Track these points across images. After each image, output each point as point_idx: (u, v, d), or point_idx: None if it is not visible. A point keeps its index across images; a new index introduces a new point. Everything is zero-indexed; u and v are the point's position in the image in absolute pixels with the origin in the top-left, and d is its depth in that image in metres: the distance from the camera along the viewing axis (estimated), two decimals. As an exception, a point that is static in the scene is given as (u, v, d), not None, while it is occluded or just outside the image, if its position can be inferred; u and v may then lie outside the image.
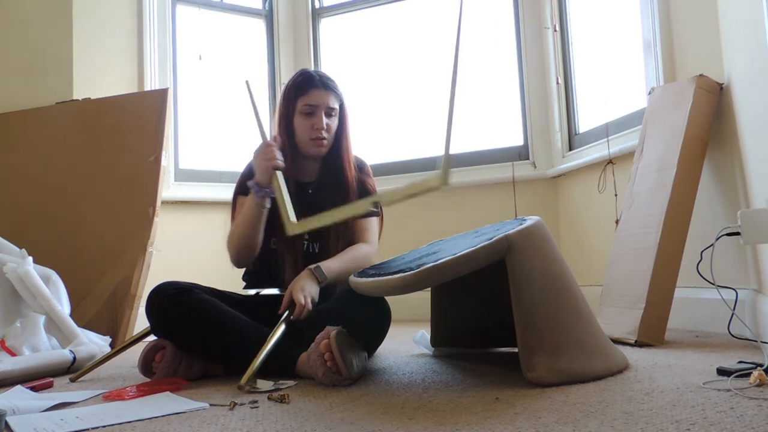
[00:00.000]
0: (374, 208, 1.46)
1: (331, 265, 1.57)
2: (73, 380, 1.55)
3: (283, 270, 1.64)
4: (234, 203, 1.72)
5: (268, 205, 1.57)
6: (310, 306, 1.47)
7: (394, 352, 1.82)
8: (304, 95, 1.66)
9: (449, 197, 2.99)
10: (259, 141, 1.65)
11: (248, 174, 1.68)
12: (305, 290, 1.49)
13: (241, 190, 1.69)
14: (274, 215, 1.56)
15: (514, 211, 2.78)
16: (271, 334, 1.39)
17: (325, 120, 1.66)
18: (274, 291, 1.59)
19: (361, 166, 1.76)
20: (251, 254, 1.63)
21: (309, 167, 1.73)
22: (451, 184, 1.31)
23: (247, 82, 1.67)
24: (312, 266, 1.54)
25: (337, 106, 1.69)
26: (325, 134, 1.66)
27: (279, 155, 1.55)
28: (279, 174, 1.53)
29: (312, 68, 1.79)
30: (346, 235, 1.68)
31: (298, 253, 1.64)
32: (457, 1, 3.24)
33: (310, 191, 1.70)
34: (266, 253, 1.66)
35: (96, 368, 1.61)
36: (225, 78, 3.32)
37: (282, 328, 1.42)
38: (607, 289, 2.00)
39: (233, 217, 1.71)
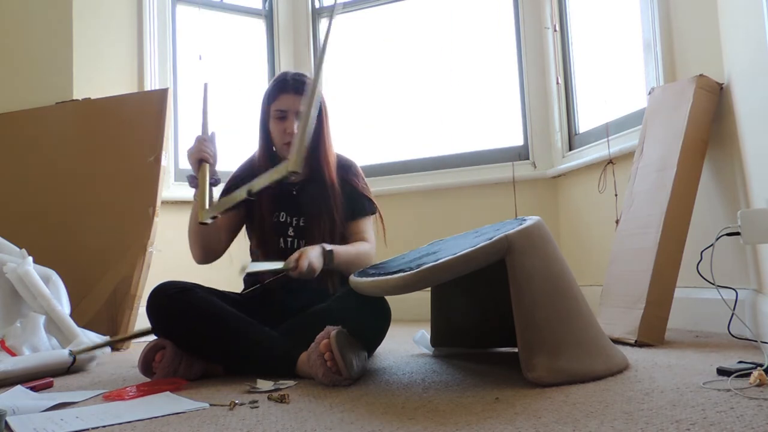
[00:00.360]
0: (250, 197, 1.50)
1: (340, 252, 1.59)
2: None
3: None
4: None
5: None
6: (304, 270, 1.47)
7: (394, 352, 1.82)
8: (275, 100, 1.69)
9: (449, 197, 3.00)
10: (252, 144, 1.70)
11: (234, 177, 1.75)
12: (310, 259, 1.50)
13: (222, 193, 1.71)
14: (253, 218, 1.66)
15: (514, 211, 2.78)
16: (265, 266, 1.47)
17: (295, 124, 1.66)
18: (278, 264, 1.55)
19: (347, 167, 1.76)
20: (207, 250, 1.68)
21: None
22: (299, 170, 1.41)
23: (205, 86, 1.74)
24: (327, 246, 1.56)
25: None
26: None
27: (207, 148, 1.59)
28: (207, 167, 1.57)
29: (292, 70, 1.79)
30: (333, 233, 1.67)
31: (273, 251, 1.67)
32: (458, 1, 3.24)
33: (294, 192, 1.71)
34: (263, 254, 1.67)
35: (94, 368, 1.61)
36: (225, 78, 3.32)
37: (276, 266, 1.50)
38: (607, 289, 2.00)
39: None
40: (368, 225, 1.74)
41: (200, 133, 1.65)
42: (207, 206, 1.52)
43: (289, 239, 1.68)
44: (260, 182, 1.49)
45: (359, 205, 1.73)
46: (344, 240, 1.70)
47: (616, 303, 1.90)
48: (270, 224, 1.69)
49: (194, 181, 1.58)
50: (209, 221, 1.51)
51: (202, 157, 1.58)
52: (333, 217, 1.68)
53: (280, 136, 1.68)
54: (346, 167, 1.75)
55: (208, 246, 1.68)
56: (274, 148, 1.73)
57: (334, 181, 1.70)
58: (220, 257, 1.73)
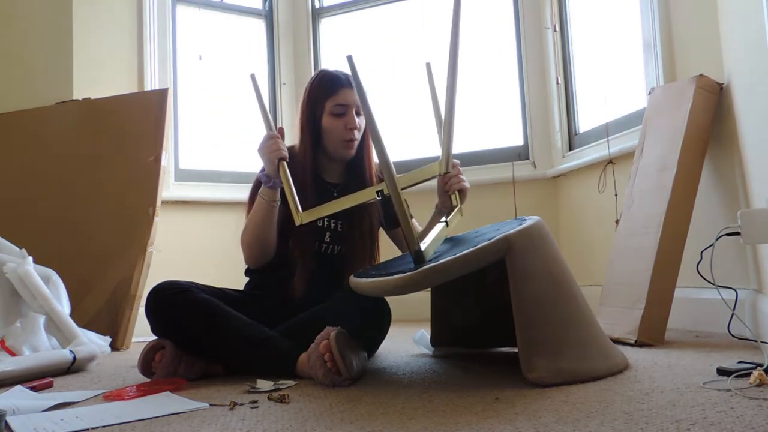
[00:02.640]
0: (378, 197, 1.45)
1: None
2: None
3: (293, 271, 1.61)
4: (250, 202, 1.68)
5: (278, 199, 1.55)
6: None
7: (394, 352, 1.82)
8: (333, 95, 1.62)
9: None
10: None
11: (261, 176, 1.63)
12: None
13: (257, 191, 1.64)
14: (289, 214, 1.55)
15: (514, 211, 2.78)
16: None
17: (356, 119, 1.64)
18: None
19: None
20: (265, 252, 1.60)
21: (333, 170, 1.71)
22: (450, 171, 1.44)
23: (252, 76, 1.64)
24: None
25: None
26: (357, 134, 1.64)
27: (283, 146, 1.51)
28: (285, 165, 1.49)
29: (329, 68, 1.72)
30: (372, 237, 1.68)
31: (309, 253, 1.62)
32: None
33: (335, 194, 1.67)
34: (299, 254, 1.62)
35: (94, 368, 1.61)
36: (225, 78, 3.32)
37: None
38: (607, 289, 2.00)
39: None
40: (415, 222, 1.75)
41: (267, 130, 1.56)
42: (299, 207, 1.43)
43: (324, 245, 1.66)
44: (405, 180, 1.44)
45: None
46: (375, 243, 1.70)
47: (616, 303, 1.90)
48: (308, 226, 1.58)
49: (270, 181, 1.51)
50: (323, 236, 1.47)
51: (280, 156, 1.49)
52: (372, 221, 1.67)
53: (341, 132, 1.62)
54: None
55: (270, 246, 1.60)
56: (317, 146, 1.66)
57: (376, 184, 1.68)
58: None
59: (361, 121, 1.65)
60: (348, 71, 1.64)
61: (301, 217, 1.43)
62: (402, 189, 1.31)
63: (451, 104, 1.41)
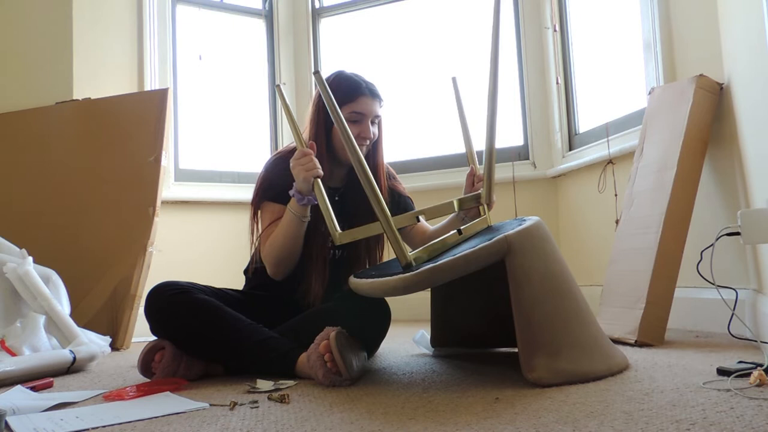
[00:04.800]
0: (418, 221, 1.50)
1: None
2: None
3: (301, 274, 1.60)
4: (258, 208, 1.65)
5: (309, 215, 1.52)
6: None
7: (394, 352, 1.82)
8: (351, 102, 1.59)
9: (449, 197, 2.98)
10: (275, 145, 1.63)
11: (271, 179, 1.62)
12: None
13: (267, 195, 1.62)
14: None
15: (514, 211, 2.78)
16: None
17: (371, 129, 1.62)
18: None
19: (390, 173, 1.77)
20: (291, 264, 1.58)
21: (337, 173, 1.69)
22: (494, 201, 1.51)
23: (278, 87, 1.60)
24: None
25: (380, 113, 1.66)
26: (367, 143, 1.63)
27: (317, 163, 1.47)
28: (319, 182, 1.46)
29: (346, 71, 1.68)
30: (376, 241, 1.69)
31: (326, 259, 1.61)
32: (458, 1, 3.24)
33: (336, 198, 1.67)
34: (307, 257, 1.61)
35: (94, 368, 1.60)
36: (225, 78, 3.32)
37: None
38: (607, 289, 2.00)
39: (255, 221, 1.66)
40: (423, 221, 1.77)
41: (298, 146, 1.50)
42: (336, 225, 1.41)
43: (331, 251, 1.66)
44: (439, 211, 1.50)
45: (410, 205, 1.79)
46: (379, 245, 1.72)
47: (616, 303, 1.90)
48: (322, 234, 1.60)
49: (303, 198, 1.46)
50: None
51: (316, 174, 1.44)
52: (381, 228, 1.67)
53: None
54: (389, 174, 1.76)
55: (296, 258, 1.58)
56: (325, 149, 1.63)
57: (385, 191, 1.68)
58: None
59: (375, 130, 1.65)
60: (363, 75, 1.66)
61: (341, 237, 1.41)
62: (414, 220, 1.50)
63: (491, 133, 1.50)
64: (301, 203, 1.48)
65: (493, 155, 1.46)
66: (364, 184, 1.28)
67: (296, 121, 1.55)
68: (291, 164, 1.47)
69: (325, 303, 1.57)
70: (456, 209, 1.52)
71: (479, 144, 1.65)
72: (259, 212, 1.65)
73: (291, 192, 1.49)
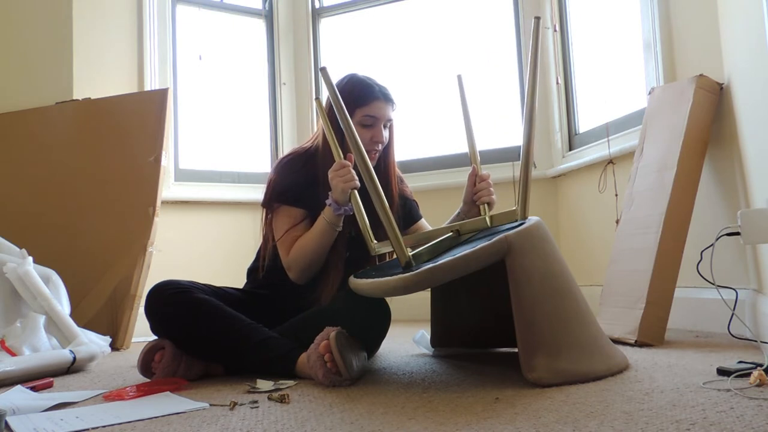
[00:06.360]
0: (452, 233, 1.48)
1: None
2: None
3: (318, 275, 1.60)
4: (271, 211, 1.64)
5: (341, 225, 1.52)
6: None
7: (394, 352, 1.82)
8: (365, 106, 1.58)
9: (449, 197, 2.99)
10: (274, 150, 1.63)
11: (285, 182, 1.61)
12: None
13: (282, 199, 1.61)
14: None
15: (514, 211, 2.77)
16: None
17: (384, 133, 1.62)
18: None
19: (399, 177, 1.77)
20: (317, 269, 1.59)
21: None
22: (495, 201, 1.55)
23: (318, 100, 1.57)
24: None
25: (393, 117, 1.65)
26: (379, 147, 1.63)
27: (355, 174, 1.45)
28: (356, 193, 1.46)
29: (359, 74, 1.67)
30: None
31: (344, 260, 1.60)
32: (458, 1, 3.24)
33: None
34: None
35: (94, 368, 1.60)
36: (225, 78, 3.32)
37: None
38: (607, 289, 2.00)
39: (267, 223, 1.64)
40: (425, 222, 1.81)
41: (336, 157, 1.49)
42: (372, 236, 1.44)
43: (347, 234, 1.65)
44: (475, 225, 1.49)
45: (414, 209, 1.80)
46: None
47: (616, 303, 1.90)
48: (340, 235, 1.58)
49: (340, 208, 1.47)
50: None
51: (354, 186, 1.44)
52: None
53: (365, 143, 1.54)
54: (399, 177, 1.77)
55: (322, 264, 1.58)
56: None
57: (396, 195, 1.68)
58: None
59: (387, 134, 1.64)
60: (375, 79, 1.65)
61: (376, 247, 1.45)
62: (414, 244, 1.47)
63: (527, 149, 1.54)
64: (337, 213, 1.48)
65: (529, 172, 1.51)
66: (369, 185, 1.29)
67: (334, 134, 1.51)
68: (329, 175, 1.47)
69: (326, 303, 1.57)
70: (488, 224, 1.52)
71: (481, 144, 1.65)
72: (272, 215, 1.64)
73: (327, 201, 1.49)
